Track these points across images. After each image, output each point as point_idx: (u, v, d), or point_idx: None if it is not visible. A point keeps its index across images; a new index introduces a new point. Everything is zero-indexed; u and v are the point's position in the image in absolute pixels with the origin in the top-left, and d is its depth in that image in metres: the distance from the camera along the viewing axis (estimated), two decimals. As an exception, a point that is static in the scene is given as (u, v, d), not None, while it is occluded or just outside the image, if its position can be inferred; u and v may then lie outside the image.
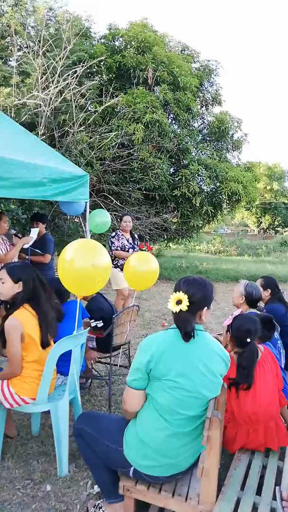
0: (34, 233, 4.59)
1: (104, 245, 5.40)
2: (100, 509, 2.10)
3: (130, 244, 5.48)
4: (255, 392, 2.36)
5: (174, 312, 1.83)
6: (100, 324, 3.47)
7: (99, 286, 2.72)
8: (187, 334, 1.81)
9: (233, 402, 2.37)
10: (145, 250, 4.82)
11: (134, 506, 2.00)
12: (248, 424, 2.36)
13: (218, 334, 3.19)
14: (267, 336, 2.76)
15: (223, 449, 2.40)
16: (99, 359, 3.56)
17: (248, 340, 2.39)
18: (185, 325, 1.81)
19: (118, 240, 5.41)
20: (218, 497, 1.91)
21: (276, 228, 39.23)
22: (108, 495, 2.07)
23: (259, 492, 2.03)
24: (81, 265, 2.58)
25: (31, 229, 4.72)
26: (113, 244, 5.38)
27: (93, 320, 3.48)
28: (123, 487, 1.97)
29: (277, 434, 2.39)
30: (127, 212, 6.13)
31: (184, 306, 1.81)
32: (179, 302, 1.82)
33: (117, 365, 3.90)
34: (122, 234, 5.50)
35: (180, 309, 1.81)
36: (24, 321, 2.36)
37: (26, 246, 4.47)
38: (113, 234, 5.51)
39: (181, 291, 1.84)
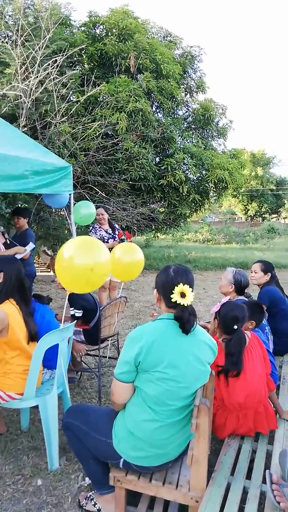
0: (30, 247, 4.51)
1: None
2: (92, 501, 2.10)
3: (110, 234, 5.45)
4: (244, 378, 2.37)
5: (184, 305, 1.78)
6: (78, 313, 3.42)
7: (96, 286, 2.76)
8: (191, 327, 1.80)
9: (223, 389, 2.38)
10: (124, 239, 4.78)
11: (125, 496, 2.00)
12: (237, 410, 2.38)
13: (206, 322, 3.20)
14: (257, 322, 2.78)
15: (213, 435, 2.42)
16: (88, 352, 3.54)
17: (235, 327, 2.39)
18: (194, 318, 1.80)
19: (96, 233, 5.39)
20: (209, 483, 1.92)
21: (263, 215, 39.47)
22: (99, 486, 2.07)
23: (249, 476, 2.05)
24: (81, 266, 2.64)
25: (29, 244, 4.59)
26: None
27: (72, 308, 3.45)
28: (114, 478, 1.96)
29: (267, 418, 2.42)
30: (99, 204, 6.10)
31: (191, 298, 1.79)
32: (183, 295, 1.79)
33: (106, 357, 3.89)
34: (100, 227, 5.47)
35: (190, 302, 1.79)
36: (10, 314, 2.33)
37: (18, 256, 4.36)
38: (90, 228, 5.49)
39: (180, 283, 1.80)
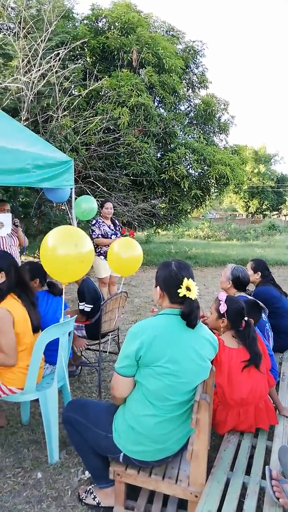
0: (3, 218, 4.30)
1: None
2: (92, 494, 2.11)
3: (112, 230, 5.42)
4: (248, 373, 2.38)
5: (192, 299, 1.79)
6: (88, 308, 3.41)
7: (83, 268, 2.70)
8: (196, 320, 1.80)
9: (225, 385, 2.39)
10: (127, 235, 4.75)
11: (125, 490, 2.01)
12: (239, 405, 2.38)
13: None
14: (255, 319, 2.78)
15: (213, 431, 2.43)
16: (88, 346, 3.55)
17: (246, 318, 2.47)
18: (198, 311, 1.81)
19: (99, 227, 5.32)
20: (208, 478, 1.93)
21: (264, 212, 39.42)
22: (98, 480, 2.08)
23: (248, 472, 2.05)
24: (64, 251, 2.55)
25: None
26: (94, 232, 5.30)
27: (83, 303, 3.44)
28: (114, 472, 1.97)
29: (267, 414, 2.42)
30: (108, 198, 6.02)
31: (196, 292, 1.80)
32: (188, 289, 1.80)
33: (106, 351, 3.90)
34: (103, 221, 5.42)
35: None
36: (13, 310, 2.33)
37: (3, 234, 4.35)
38: (93, 222, 5.40)
39: (185, 278, 1.81)
